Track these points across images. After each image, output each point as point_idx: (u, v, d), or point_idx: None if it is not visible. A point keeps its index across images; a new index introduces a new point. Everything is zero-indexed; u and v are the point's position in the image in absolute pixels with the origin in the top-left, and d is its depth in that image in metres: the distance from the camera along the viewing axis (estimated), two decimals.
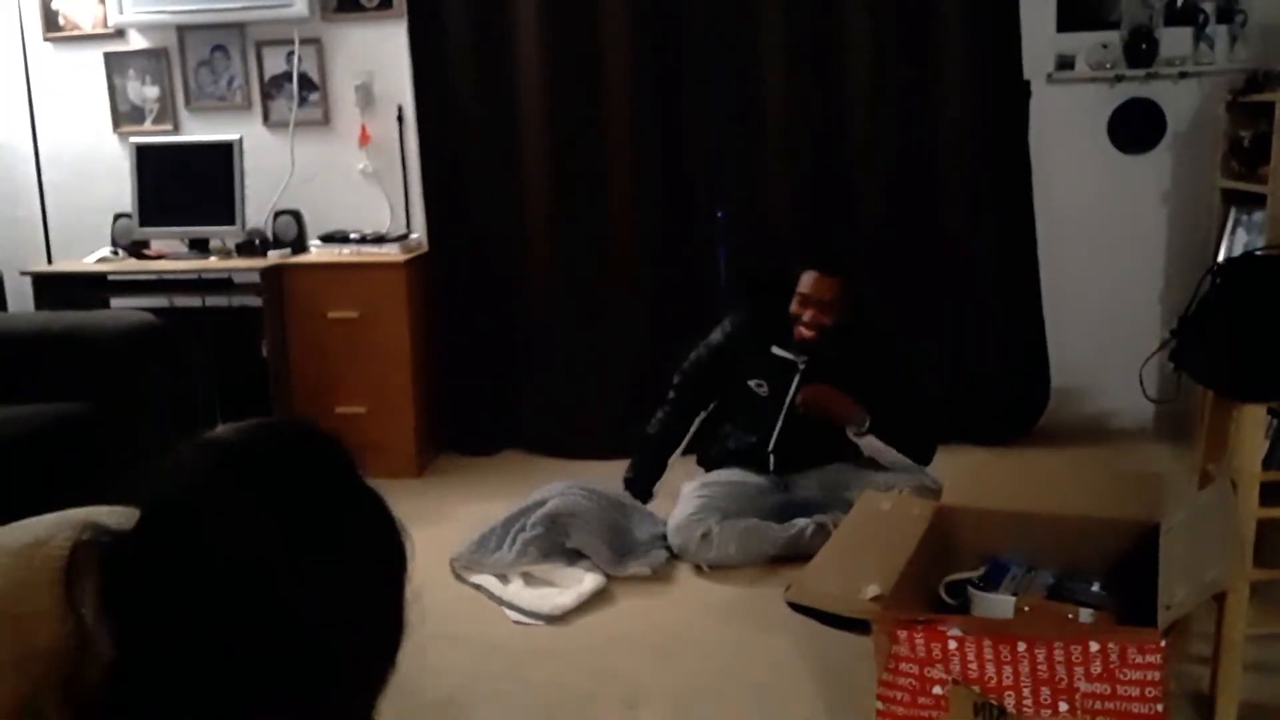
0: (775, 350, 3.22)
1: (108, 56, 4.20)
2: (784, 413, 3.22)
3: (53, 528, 1.13)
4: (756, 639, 2.58)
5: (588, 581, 2.84)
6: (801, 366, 3.21)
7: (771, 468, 3.25)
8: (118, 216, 4.05)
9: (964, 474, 2.54)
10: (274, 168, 4.12)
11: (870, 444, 3.24)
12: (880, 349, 3.23)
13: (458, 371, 4.04)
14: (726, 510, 3.08)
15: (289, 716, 0.96)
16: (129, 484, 1.07)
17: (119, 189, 4.05)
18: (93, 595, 0.99)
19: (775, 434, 3.23)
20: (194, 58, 4.17)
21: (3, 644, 0.99)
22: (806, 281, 3.17)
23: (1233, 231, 3.58)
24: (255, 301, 3.83)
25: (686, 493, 3.19)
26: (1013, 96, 3.79)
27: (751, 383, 3.27)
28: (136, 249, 4.00)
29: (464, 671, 2.42)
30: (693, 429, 3.45)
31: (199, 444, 1.09)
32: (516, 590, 2.83)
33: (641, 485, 3.35)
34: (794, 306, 3.18)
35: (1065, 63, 3.83)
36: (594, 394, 3.98)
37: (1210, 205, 3.72)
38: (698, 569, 3.00)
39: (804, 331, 3.17)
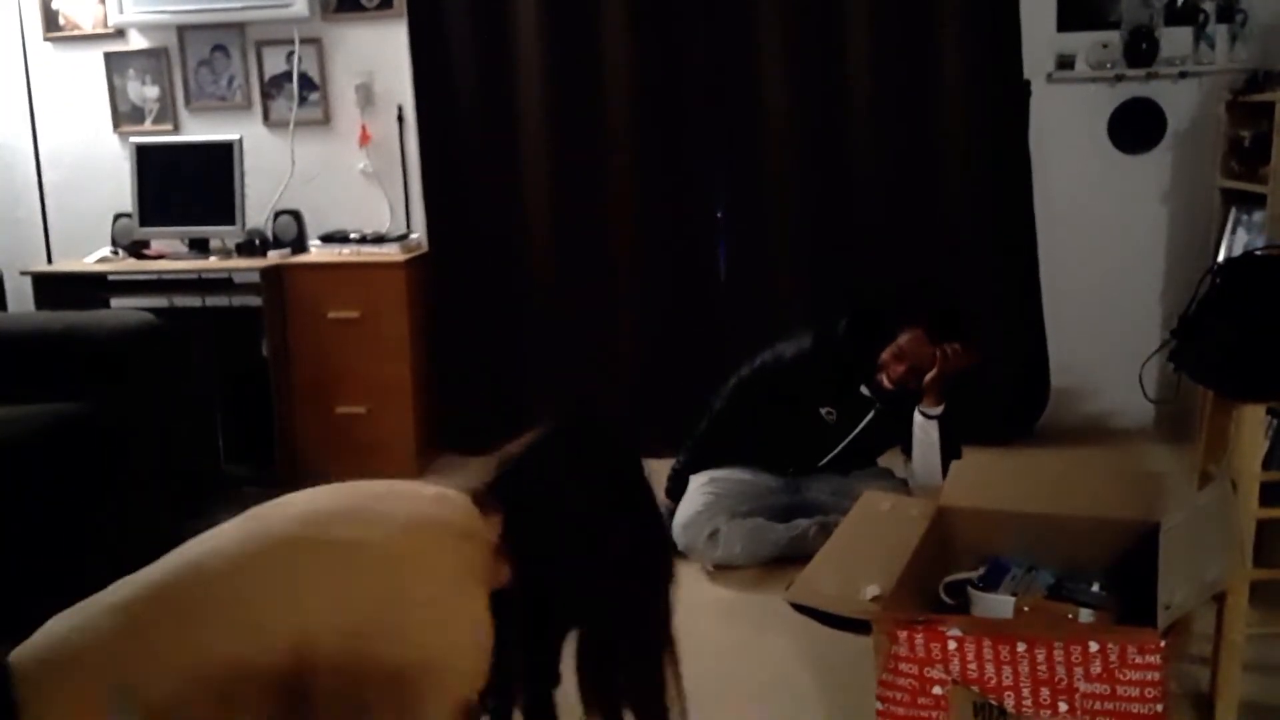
0: (863, 390, 3.15)
1: (108, 56, 4.20)
2: (844, 444, 3.20)
3: (417, 490, 1.55)
4: (757, 639, 2.58)
5: None
6: (877, 408, 3.16)
7: (791, 470, 3.24)
8: (118, 216, 4.04)
9: (964, 474, 2.54)
10: (274, 168, 4.12)
11: (927, 431, 3.10)
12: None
13: (458, 371, 4.04)
14: (734, 509, 3.07)
15: (621, 607, 1.49)
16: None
17: (119, 189, 4.05)
18: (495, 526, 1.46)
19: (827, 459, 3.22)
20: (194, 57, 4.17)
21: (479, 554, 1.42)
22: (910, 339, 3.05)
23: (1233, 231, 3.58)
24: (255, 301, 3.83)
25: (693, 488, 3.17)
26: (1013, 96, 3.79)
27: (823, 410, 3.19)
28: (136, 249, 4.00)
29: None
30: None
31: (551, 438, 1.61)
32: None
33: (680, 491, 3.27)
34: (887, 355, 3.08)
35: (1065, 62, 3.82)
36: (594, 393, 3.98)
37: (1210, 205, 3.71)
38: (700, 568, 3.00)
39: (888, 383, 3.09)
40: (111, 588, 1.35)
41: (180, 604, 1.31)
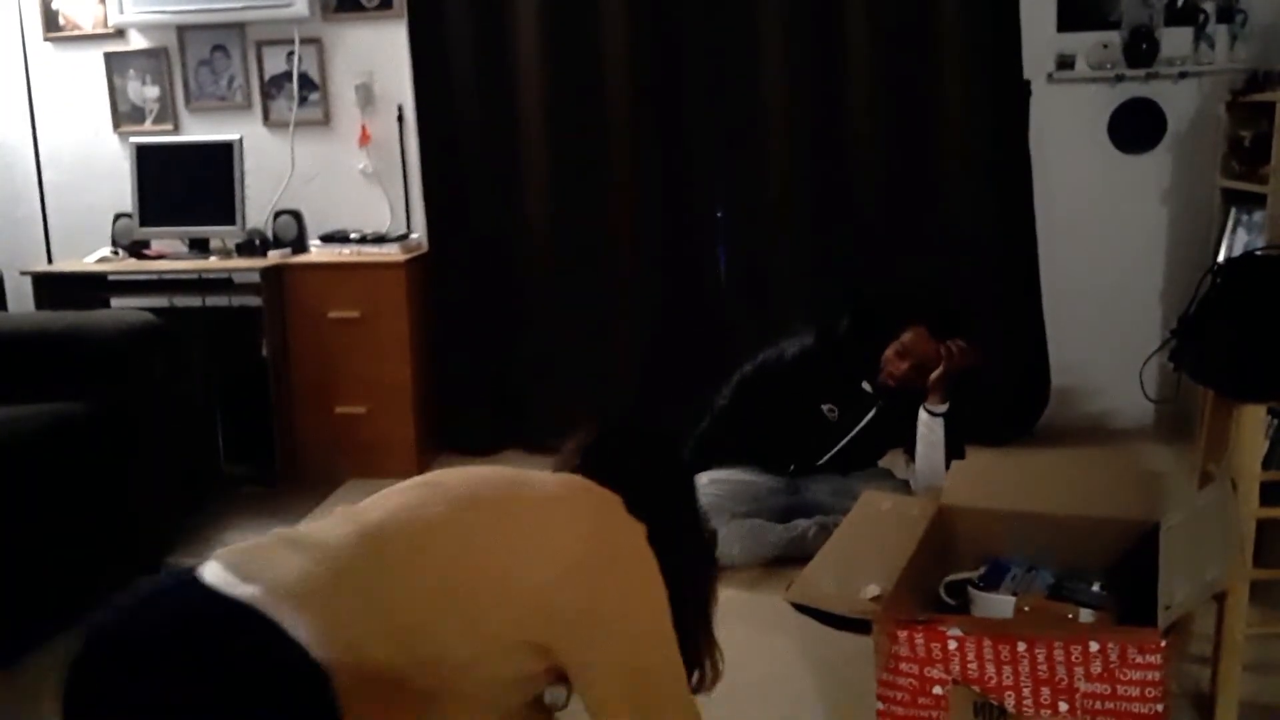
0: (864, 386, 3.17)
1: (108, 56, 4.20)
2: (847, 440, 3.20)
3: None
4: (757, 639, 2.57)
5: None
6: (880, 405, 3.18)
7: (791, 469, 3.24)
8: (118, 216, 4.04)
9: (964, 474, 2.53)
10: (274, 168, 4.12)
11: (932, 429, 3.10)
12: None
13: (458, 371, 4.03)
14: (734, 510, 3.07)
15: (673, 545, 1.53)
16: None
17: (119, 189, 4.05)
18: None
19: (829, 457, 3.22)
20: (194, 57, 4.17)
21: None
22: (913, 337, 3.08)
23: (1233, 231, 3.58)
24: (255, 301, 3.83)
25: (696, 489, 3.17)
26: (1013, 96, 3.79)
27: (824, 406, 3.21)
28: (137, 249, 4.00)
29: None
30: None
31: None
32: None
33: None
34: (890, 352, 3.11)
35: (1065, 62, 3.82)
36: (594, 393, 3.98)
37: (1210, 205, 3.72)
38: None
39: (889, 380, 3.12)
40: (318, 526, 1.36)
41: (413, 540, 1.34)
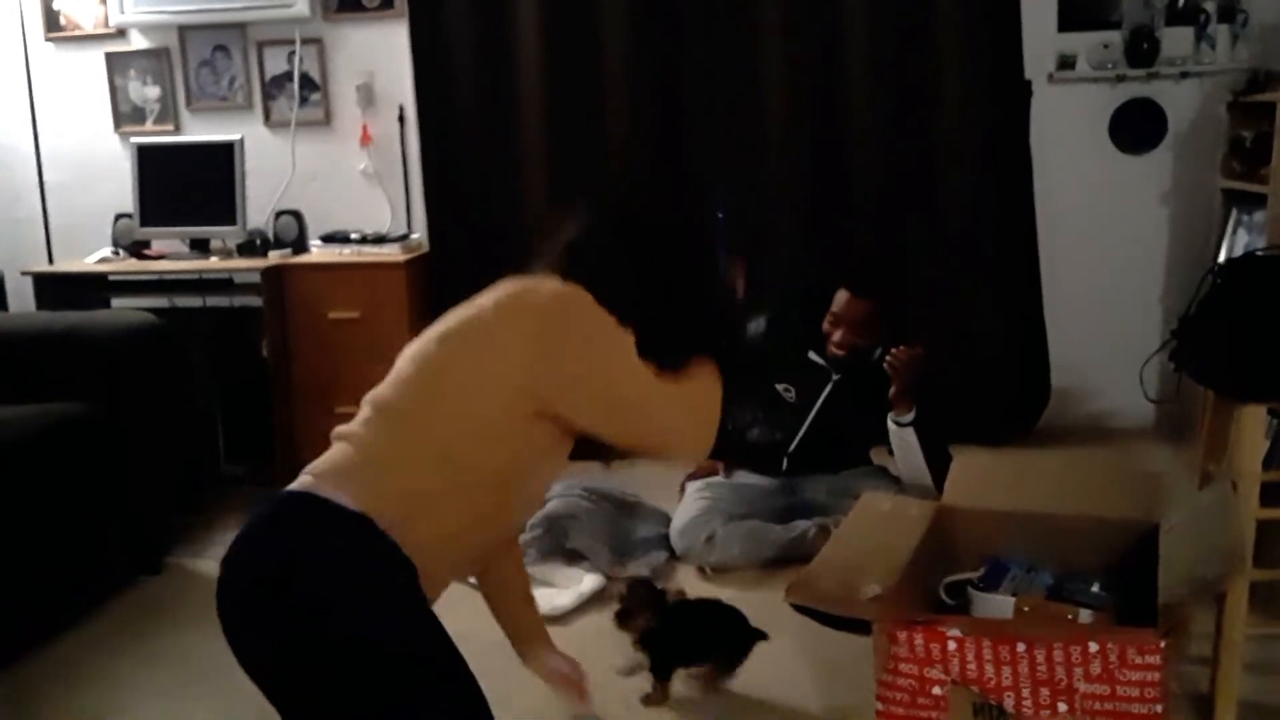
0: (811, 356, 3.19)
1: (109, 56, 4.20)
2: (810, 420, 3.20)
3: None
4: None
5: (587, 582, 2.84)
6: (835, 378, 3.18)
7: (784, 469, 3.24)
8: (118, 217, 4.05)
9: (964, 474, 2.53)
10: (275, 168, 4.12)
11: (907, 438, 3.09)
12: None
13: None
14: (731, 513, 3.07)
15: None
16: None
17: (120, 189, 4.05)
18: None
19: (798, 440, 3.22)
20: (195, 58, 4.18)
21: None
22: (839, 301, 3.11)
23: (1233, 232, 3.57)
24: (256, 301, 3.83)
25: (691, 493, 3.18)
26: (1013, 96, 3.79)
27: (779, 387, 3.24)
28: (137, 249, 4.00)
29: None
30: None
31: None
32: None
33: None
34: (826, 324, 3.14)
35: (1066, 62, 3.82)
36: None
37: (1211, 205, 3.71)
38: (700, 570, 3.00)
39: (835, 350, 3.14)
40: (355, 420, 1.70)
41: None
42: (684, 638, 2.33)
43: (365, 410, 1.71)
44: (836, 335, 3.12)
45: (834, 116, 3.85)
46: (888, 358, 3.03)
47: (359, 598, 1.47)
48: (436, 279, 3.98)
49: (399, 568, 1.50)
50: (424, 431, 1.62)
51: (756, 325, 3.27)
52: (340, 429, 1.69)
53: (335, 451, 1.64)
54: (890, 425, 3.09)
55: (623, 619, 2.32)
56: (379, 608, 1.49)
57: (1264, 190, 3.26)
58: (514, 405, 1.63)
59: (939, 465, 3.07)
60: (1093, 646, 1.70)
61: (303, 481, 1.57)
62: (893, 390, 3.05)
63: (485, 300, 1.77)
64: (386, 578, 1.50)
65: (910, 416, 3.06)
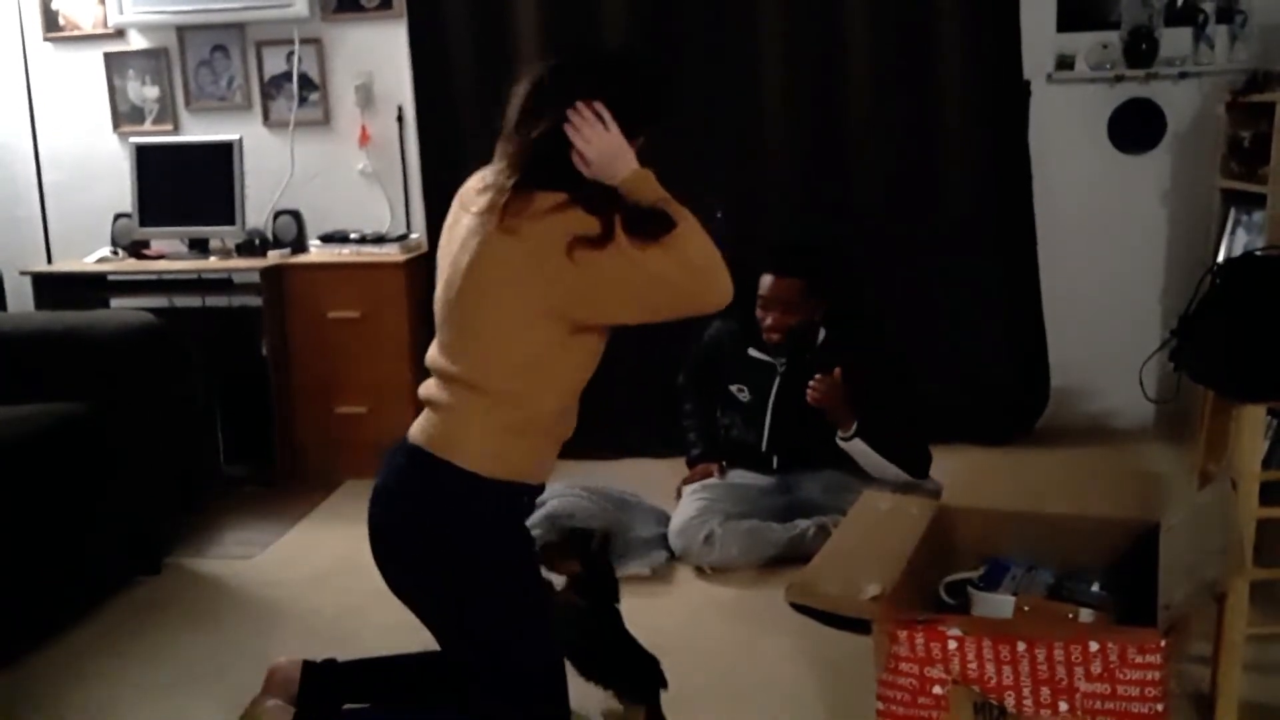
0: (752, 352, 3.21)
1: (108, 56, 4.20)
2: (769, 416, 3.21)
3: None
4: (756, 639, 2.58)
5: None
6: (781, 368, 3.19)
7: (775, 467, 3.25)
8: (118, 216, 4.05)
9: (964, 474, 2.54)
10: (274, 168, 4.12)
11: (858, 449, 3.09)
12: (867, 351, 3.17)
13: None
14: (729, 512, 3.07)
15: None
16: None
17: (119, 189, 4.05)
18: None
19: (765, 436, 3.23)
20: (194, 58, 4.17)
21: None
22: (764, 284, 3.14)
23: (1233, 232, 3.58)
24: (255, 301, 3.83)
25: (688, 494, 3.19)
26: (1013, 96, 3.79)
27: (733, 388, 3.27)
28: (136, 249, 4.00)
29: None
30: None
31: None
32: None
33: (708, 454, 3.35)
34: (757, 311, 3.16)
35: (1065, 63, 3.82)
36: (593, 393, 3.96)
37: (1210, 205, 3.71)
38: (699, 570, 3.00)
39: (770, 335, 3.15)
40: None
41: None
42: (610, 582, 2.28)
43: (434, 379, 2.05)
44: (769, 320, 3.14)
45: (833, 116, 3.85)
46: (809, 392, 3.05)
47: (473, 538, 1.90)
48: (435, 279, 3.97)
49: (506, 516, 1.96)
50: (490, 386, 1.93)
51: (707, 332, 3.34)
52: (427, 392, 2.06)
53: (433, 417, 2.01)
54: (840, 444, 3.11)
55: (549, 563, 2.30)
56: (491, 545, 1.94)
57: (1263, 190, 3.26)
58: (551, 335, 1.88)
59: (905, 452, 3.11)
60: (1093, 646, 1.70)
61: (418, 440, 1.97)
62: (830, 416, 3.08)
63: (472, 239, 1.99)
64: (496, 524, 1.94)
65: (853, 429, 3.08)
